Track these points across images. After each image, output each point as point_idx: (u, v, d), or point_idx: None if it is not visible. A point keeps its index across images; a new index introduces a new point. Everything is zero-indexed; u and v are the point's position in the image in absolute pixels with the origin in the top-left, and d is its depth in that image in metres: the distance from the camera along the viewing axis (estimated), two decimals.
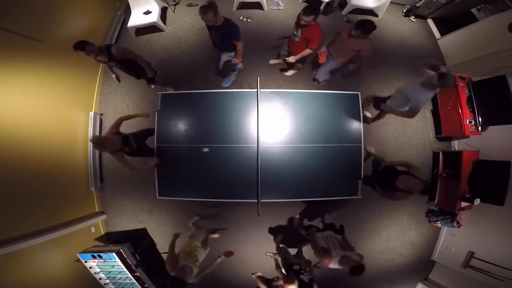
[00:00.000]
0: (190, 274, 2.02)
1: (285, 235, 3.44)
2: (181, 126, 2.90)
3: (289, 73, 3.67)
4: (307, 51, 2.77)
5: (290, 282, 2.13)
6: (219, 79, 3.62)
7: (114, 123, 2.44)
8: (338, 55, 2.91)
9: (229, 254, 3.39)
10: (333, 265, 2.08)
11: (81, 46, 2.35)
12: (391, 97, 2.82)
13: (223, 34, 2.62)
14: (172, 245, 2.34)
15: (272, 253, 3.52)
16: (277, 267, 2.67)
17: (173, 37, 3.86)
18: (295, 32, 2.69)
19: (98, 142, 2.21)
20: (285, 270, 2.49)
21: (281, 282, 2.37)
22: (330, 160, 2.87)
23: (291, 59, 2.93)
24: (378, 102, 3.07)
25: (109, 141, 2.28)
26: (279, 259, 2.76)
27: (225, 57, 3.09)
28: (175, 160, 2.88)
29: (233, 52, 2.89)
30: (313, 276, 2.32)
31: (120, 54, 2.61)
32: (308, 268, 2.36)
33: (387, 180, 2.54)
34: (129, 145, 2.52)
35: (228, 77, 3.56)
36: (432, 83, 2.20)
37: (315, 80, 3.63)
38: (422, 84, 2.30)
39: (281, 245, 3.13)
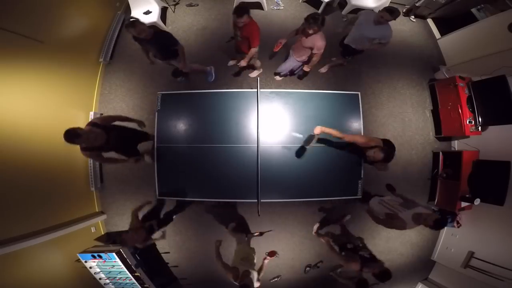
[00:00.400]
0: (252, 278, 2.03)
1: (326, 219, 3.44)
2: (181, 126, 2.90)
3: (253, 74, 3.65)
4: (252, 51, 2.72)
5: (352, 260, 2.08)
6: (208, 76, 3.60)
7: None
8: (295, 53, 2.89)
9: (273, 254, 3.34)
10: (410, 226, 1.97)
11: (77, 134, 1.91)
12: (357, 41, 2.84)
13: (160, 43, 2.63)
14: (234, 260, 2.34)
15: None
16: (332, 250, 2.52)
17: None
18: (236, 33, 2.70)
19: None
20: (340, 251, 2.42)
21: (342, 264, 2.29)
22: (330, 160, 2.87)
23: (242, 63, 2.90)
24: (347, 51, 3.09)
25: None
26: (331, 243, 2.66)
27: (175, 62, 3.01)
28: (175, 160, 2.88)
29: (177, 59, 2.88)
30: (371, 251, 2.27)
31: (105, 122, 2.25)
32: (362, 245, 2.32)
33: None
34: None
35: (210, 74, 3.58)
36: (386, 19, 2.43)
37: (276, 74, 3.61)
38: (377, 23, 2.52)
39: (324, 230, 3.07)
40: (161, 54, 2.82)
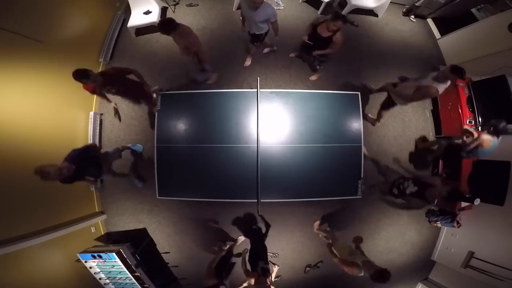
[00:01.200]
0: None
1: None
2: (181, 126, 2.91)
3: None
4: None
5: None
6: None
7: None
8: None
9: (360, 240, 3.08)
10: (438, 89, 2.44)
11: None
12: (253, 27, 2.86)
13: (81, 165, 2.39)
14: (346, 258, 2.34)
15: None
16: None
17: None
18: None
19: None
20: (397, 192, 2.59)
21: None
22: (330, 160, 2.88)
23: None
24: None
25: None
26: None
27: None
28: (175, 160, 2.88)
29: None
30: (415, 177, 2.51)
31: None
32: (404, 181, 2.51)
33: None
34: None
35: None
36: (256, 2, 2.42)
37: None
38: (254, 8, 2.52)
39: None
40: (93, 172, 2.59)
